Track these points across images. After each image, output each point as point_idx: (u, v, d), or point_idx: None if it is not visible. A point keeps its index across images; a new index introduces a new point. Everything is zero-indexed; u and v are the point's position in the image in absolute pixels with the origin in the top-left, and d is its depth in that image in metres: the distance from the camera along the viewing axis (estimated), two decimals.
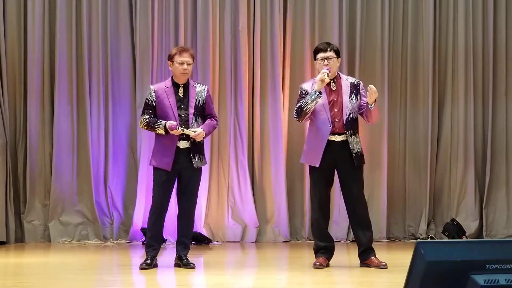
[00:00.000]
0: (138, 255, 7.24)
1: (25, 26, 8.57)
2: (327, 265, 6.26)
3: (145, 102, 6.31)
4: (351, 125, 6.18)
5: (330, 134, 6.14)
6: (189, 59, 6.24)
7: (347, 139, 6.16)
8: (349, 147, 6.15)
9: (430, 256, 2.99)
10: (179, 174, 6.23)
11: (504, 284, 3.01)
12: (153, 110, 6.23)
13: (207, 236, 8.55)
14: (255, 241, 8.70)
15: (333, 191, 7.17)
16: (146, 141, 8.36)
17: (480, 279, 3.00)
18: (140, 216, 8.37)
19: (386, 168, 8.87)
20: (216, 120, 6.39)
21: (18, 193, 8.60)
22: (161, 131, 6.14)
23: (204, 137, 6.21)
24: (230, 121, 8.72)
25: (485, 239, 8.66)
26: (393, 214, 8.99)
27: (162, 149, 6.20)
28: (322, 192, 6.23)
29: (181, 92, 6.26)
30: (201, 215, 8.56)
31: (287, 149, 8.78)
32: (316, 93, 6.07)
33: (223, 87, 8.72)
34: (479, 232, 8.95)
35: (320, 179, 6.21)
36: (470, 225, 8.89)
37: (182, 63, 6.21)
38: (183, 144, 6.18)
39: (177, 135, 6.12)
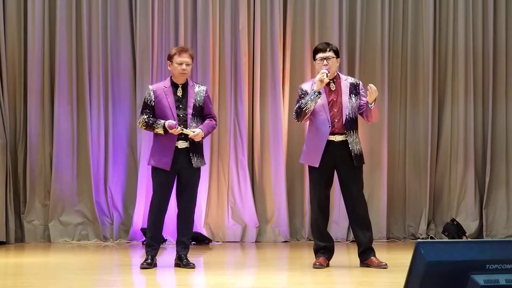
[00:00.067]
0: (138, 255, 7.24)
1: (25, 26, 8.57)
2: (327, 265, 6.26)
3: (144, 102, 6.31)
4: (351, 125, 6.18)
5: (329, 134, 6.14)
6: (188, 60, 6.25)
7: (346, 139, 6.16)
8: (349, 147, 6.15)
9: (430, 256, 2.99)
10: (178, 174, 6.23)
11: (504, 284, 3.01)
12: (152, 110, 6.23)
13: (207, 236, 8.55)
14: (255, 241, 8.70)
15: (333, 191, 7.18)
16: (146, 141, 8.35)
17: (480, 279, 3.00)
18: (140, 216, 8.37)
19: (386, 168, 8.87)
20: (215, 120, 6.39)
21: (18, 193, 8.60)
22: (160, 130, 6.14)
23: (203, 138, 6.21)
24: (230, 121, 8.72)
25: (485, 239, 8.66)
26: (393, 214, 8.99)
27: (160, 149, 6.20)
28: (322, 192, 6.23)
29: (179, 92, 6.26)
30: (201, 215, 8.56)
31: (287, 149, 8.78)
32: (316, 93, 6.07)
33: (223, 87, 8.72)
34: (479, 232, 8.95)
35: (320, 179, 6.21)
36: (470, 225, 8.89)
37: (181, 63, 6.21)
38: (182, 144, 6.18)
39: (176, 135, 6.12)
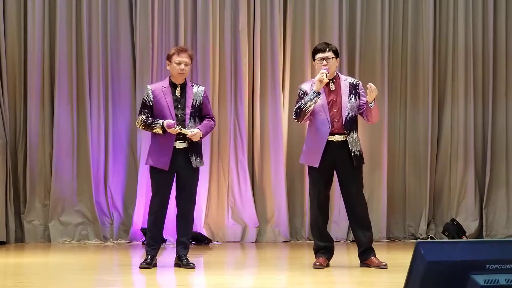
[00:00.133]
0: (138, 255, 7.24)
1: (25, 26, 8.57)
2: (327, 265, 6.26)
3: (142, 101, 6.32)
4: (350, 125, 6.18)
5: (329, 135, 6.14)
6: (187, 60, 6.25)
7: (346, 139, 6.15)
8: (348, 147, 6.15)
9: (430, 256, 2.99)
10: (177, 174, 6.23)
11: (504, 284, 3.01)
12: (150, 110, 6.24)
13: (207, 236, 8.55)
14: (255, 241, 8.70)
15: (333, 191, 7.18)
16: (146, 141, 8.34)
17: (480, 279, 3.00)
18: (140, 216, 8.37)
19: (386, 168, 8.87)
20: (213, 121, 6.39)
21: (18, 193, 8.60)
22: (158, 130, 6.14)
23: (201, 138, 6.21)
24: (230, 121, 8.72)
25: (485, 239, 8.66)
26: (393, 214, 8.99)
27: (158, 149, 6.20)
28: (321, 192, 6.23)
29: (178, 92, 6.26)
30: (201, 215, 8.56)
31: (287, 149, 8.79)
32: (315, 93, 6.07)
33: (223, 87, 8.72)
34: (479, 232, 8.95)
35: (319, 180, 6.21)
36: (470, 225, 8.89)
37: (179, 63, 6.22)
38: (180, 145, 6.18)
39: (174, 135, 6.13)
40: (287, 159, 8.77)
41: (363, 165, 6.31)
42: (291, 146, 8.77)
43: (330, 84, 6.23)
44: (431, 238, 8.88)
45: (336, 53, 6.30)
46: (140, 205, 8.39)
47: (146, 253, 6.29)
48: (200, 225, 8.55)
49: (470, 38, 8.99)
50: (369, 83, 6.11)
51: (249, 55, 8.77)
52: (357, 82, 6.34)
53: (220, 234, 8.70)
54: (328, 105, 6.17)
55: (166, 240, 8.20)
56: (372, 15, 8.97)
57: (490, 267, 3.02)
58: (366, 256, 6.22)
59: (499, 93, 9.05)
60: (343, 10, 8.86)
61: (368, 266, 6.18)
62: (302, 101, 6.15)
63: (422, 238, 8.80)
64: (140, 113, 6.28)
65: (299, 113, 6.14)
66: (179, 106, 6.23)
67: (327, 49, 6.24)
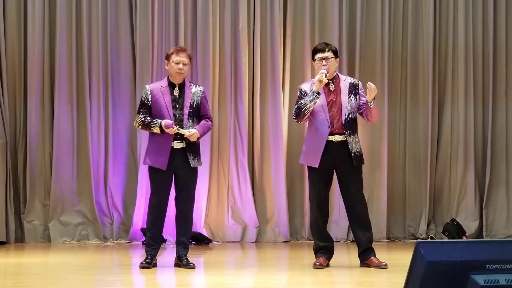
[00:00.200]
0: (138, 255, 7.24)
1: (25, 26, 8.57)
2: (327, 265, 6.26)
3: (141, 101, 6.33)
4: (350, 125, 6.17)
5: (329, 135, 6.14)
6: (185, 59, 6.25)
7: (346, 139, 6.15)
8: (348, 148, 6.15)
9: (430, 256, 2.99)
10: (175, 174, 6.23)
11: (504, 284, 3.01)
12: (148, 110, 6.24)
13: (207, 236, 8.55)
14: (255, 241, 8.70)
15: (333, 191, 7.18)
16: (146, 141, 8.29)
17: (480, 279, 3.00)
18: (140, 216, 8.37)
19: (386, 168, 8.87)
20: (211, 121, 6.39)
21: (18, 193, 8.60)
22: (156, 130, 6.15)
23: (198, 138, 6.21)
24: (230, 121, 8.72)
25: (485, 239, 8.66)
26: (393, 214, 8.99)
27: (156, 149, 6.21)
28: (321, 192, 6.23)
29: (176, 92, 6.27)
30: (201, 215, 8.56)
31: (287, 149, 8.79)
32: (315, 93, 6.07)
33: (223, 87, 8.72)
34: (479, 232, 8.95)
35: (319, 180, 6.21)
36: (470, 225, 8.89)
37: (178, 63, 6.22)
38: (178, 145, 6.19)
39: (172, 135, 6.13)
40: (287, 159, 8.77)
41: (363, 165, 6.31)
42: (291, 146, 8.77)
43: (330, 84, 6.23)
44: (431, 238, 8.88)
45: (336, 53, 6.30)
46: (140, 205, 8.39)
47: (146, 253, 6.29)
48: (200, 225, 8.55)
49: (470, 38, 8.99)
50: (368, 82, 6.11)
51: (249, 55, 8.77)
52: (357, 82, 6.34)
53: (220, 234, 8.70)
54: (327, 105, 6.17)
55: (166, 240, 8.20)
56: (372, 15, 8.97)
57: (490, 267, 3.02)
58: (366, 256, 6.21)
59: (499, 93, 9.05)
60: (343, 10, 8.86)
61: (368, 266, 6.18)
62: (301, 101, 6.15)
63: (422, 238, 8.80)
64: (139, 112, 6.29)
65: (298, 113, 6.14)
66: (177, 106, 6.23)
67: (327, 49, 6.24)
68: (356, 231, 6.26)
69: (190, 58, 6.35)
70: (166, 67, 6.34)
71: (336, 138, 6.15)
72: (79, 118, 8.61)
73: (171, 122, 6.11)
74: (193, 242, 8.26)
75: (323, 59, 6.19)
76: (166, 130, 6.09)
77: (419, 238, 8.86)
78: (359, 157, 6.21)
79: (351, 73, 8.60)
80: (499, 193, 9.01)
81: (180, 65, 6.23)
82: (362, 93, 6.27)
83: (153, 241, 6.31)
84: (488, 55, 9.02)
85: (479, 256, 3.03)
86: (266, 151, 8.78)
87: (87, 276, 6.09)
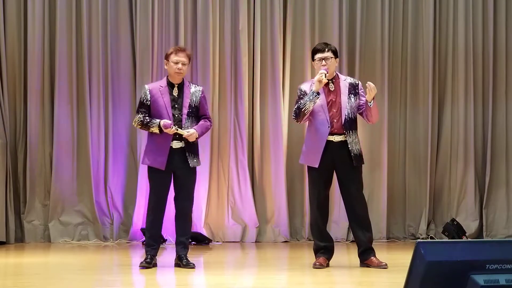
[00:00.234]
0: (138, 255, 7.23)
1: (25, 26, 8.57)
2: (327, 265, 6.26)
3: (140, 101, 6.33)
4: (350, 125, 6.17)
5: (328, 135, 6.14)
6: (184, 59, 6.26)
7: (346, 139, 6.15)
8: (348, 148, 6.15)
9: (430, 256, 2.99)
10: (174, 174, 6.24)
11: (504, 284, 3.01)
12: (147, 109, 6.25)
13: (207, 236, 8.55)
14: (255, 241, 8.70)
15: (333, 191, 7.18)
16: (145, 141, 8.32)
17: (480, 279, 3.00)
18: (140, 216, 8.37)
19: (386, 168, 8.87)
20: (210, 121, 6.40)
21: (18, 193, 8.60)
22: (155, 129, 6.15)
23: (197, 138, 6.21)
24: (230, 121, 8.72)
25: (485, 239, 8.66)
26: (393, 214, 8.99)
27: (155, 148, 6.21)
28: (321, 192, 6.23)
29: (175, 92, 6.27)
30: (201, 215, 8.56)
31: (287, 149, 8.78)
32: (314, 93, 6.06)
33: (223, 87, 8.72)
34: (479, 232, 8.95)
35: (319, 180, 6.21)
36: (470, 225, 8.89)
37: (177, 63, 6.22)
38: (176, 144, 6.19)
39: (171, 135, 6.13)
40: (287, 159, 8.76)
41: (362, 165, 6.31)
42: (291, 146, 8.77)
43: (330, 84, 6.22)
44: (431, 238, 8.88)
45: (335, 53, 6.29)
46: (140, 205, 8.39)
47: (146, 253, 6.30)
48: (200, 225, 8.55)
49: (470, 38, 8.99)
50: (368, 82, 6.11)
51: (249, 55, 8.77)
52: (357, 82, 6.34)
53: (220, 234, 8.70)
54: (327, 105, 6.17)
55: (166, 240, 8.20)
56: (372, 15, 8.97)
57: (490, 267, 3.02)
58: (366, 256, 6.21)
59: (499, 93, 9.05)
60: (343, 10, 8.86)
61: (368, 266, 6.18)
62: (301, 101, 6.15)
63: (422, 238, 8.80)
64: (138, 112, 6.30)
65: (298, 113, 6.14)
66: (176, 106, 6.23)
67: (326, 49, 6.24)
68: (356, 231, 6.26)
69: (189, 58, 6.35)
70: (165, 67, 6.34)
71: (336, 138, 6.15)
72: (79, 118, 8.61)
73: (169, 122, 6.12)
74: (193, 242, 8.26)
75: (323, 59, 6.19)
76: (165, 130, 6.10)
77: (419, 238, 8.86)
78: (359, 157, 6.21)
79: (351, 73, 8.60)
80: (499, 193, 9.01)
81: (179, 65, 6.23)
82: (362, 93, 6.27)
83: (152, 241, 6.31)
84: (488, 55, 9.02)
85: (479, 256, 3.03)
86: (266, 151, 8.78)
87: (87, 276, 6.09)
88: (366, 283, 5.64)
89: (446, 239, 8.48)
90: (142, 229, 8.27)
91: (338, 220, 8.70)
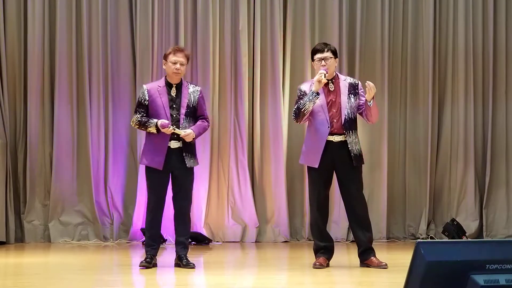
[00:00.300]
0: (138, 255, 7.23)
1: (25, 26, 8.58)
2: (327, 265, 6.26)
3: (138, 101, 6.34)
4: (350, 125, 6.17)
5: (328, 135, 6.13)
6: (183, 60, 6.26)
7: (345, 139, 6.15)
8: (348, 148, 6.15)
9: (430, 256, 2.98)
10: (172, 174, 6.24)
11: (504, 284, 3.01)
12: (145, 109, 6.25)
13: (207, 236, 8.55)
14: (255, 241, 8.70)
15: (333, 191, 7.18)
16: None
17: (480, 279, 3.00)
18: (140, 216, 8.37)
19: (386, 168, 8.87)
20: (207, 122, 6.40)
21: (18, 193, 8.60)
22: (152, 129, 6.16)
23: (194, 138, 6.21)
24: (230, 121, 8.72)
25: (485, 239, 8.66)
26: (393, 214, 8.99)
27: (153, 148, 6.22)
28: (321, 192, 6.23)
29: (173, 92, 6.27)
30: (201, 215, 8.56)
31: (287, 149, 8.79)
32: (314, 94, 6.06)
33: (223, 87, 8.72)
34: (479, 232, 8.95)
35: (319, 180, 6.21)
36: (470, 225, 8.89)
37: (175, 63, 6.23)
38: (174, 144, 6.19)
39: (168, 135, 6.14)
40: (287, 159, 8.77)
41: (362, 165, 6.31)
42: (291, 146, 8.77)
43: (329, 84, 6.22)
44: (431, 238, 8.88)
45: (335, 53, 6.29)
46: (140, 205, 8.39)
47: (146, 253, 6.30)
48: (200, 225, 8.55)
49: (470, 38, 8.99)
50: (367, 81, 6.11)
51: (249, 55, 8.77)
52: (356, 82, 6.34)
53: (220, 234, 8.70)
54: (327, 105, 6.16)
55: (166, 240, 8.20)
56: (372, 15, 8.97)
57: (490, 267, 3.02)
58: (366, 256, 6.21)
59: (499, 93, 9.05)
60: (343, 10, 8.86)
61: (368, 266, 6.18)
62: (301, 101, 6.14)
63: (422, 238, 8.80)
64: (136, 112, 6.31)
65: (298, 114, 6.14)
66: (174, 106, 6.24)
67: (326, 49, 6.23)
68: (356, 231, 6.26)
69: (188, 58, 6.36)
70: (164, 67, 6.35)
71: (336, 138, 6.15)
72: (79, 118, 8.61)
73: (167, 122, 6.12)
74: (193, 242, 8.26)
75: (322, 59, 6.19)
76: (162, 130, 6.10)
77: (419, 238, 8.86)
78: (359, 157, 6.21)
79: (351, 73, 8.60)
80: (499, 193, 9.01)
81: (178, 65, 6.23)
82: (361, 93, 6.27)
83: (152, 241, 6.32)
84: (488, 55, 9.02)
85: (479, 256, 3.03)
86: (266, 151, 8.78)
87: (87, 276, 6.09)
88: (366, 283, 5.64)
89: (446, 239, 8.49)
90: (142, 229, 8.27)
91: (338, 220, 8.70)
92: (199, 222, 8.54)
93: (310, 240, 8.44)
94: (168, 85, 6.29)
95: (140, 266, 6.21)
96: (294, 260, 7.39)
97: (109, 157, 8.63)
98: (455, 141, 9.03)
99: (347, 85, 6.25)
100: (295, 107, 6.18)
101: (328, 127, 6.13)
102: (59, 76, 8.53)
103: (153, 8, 8.62)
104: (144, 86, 6.37)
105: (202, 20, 8.67)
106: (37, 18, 8.53)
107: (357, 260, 6.32)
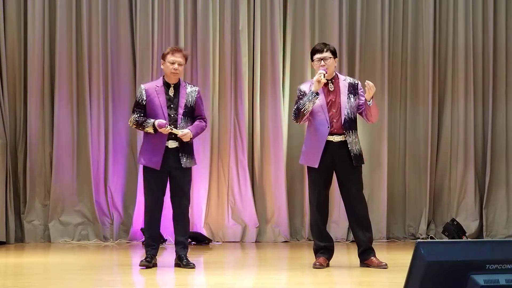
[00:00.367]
0: (138, 255, 7.23)
1: (25, 26, 8.58)
2: (327, 265, 6.26)
3: (136, 100, 6.34)
4: (350, 125, 6.17)
5: (328, 135, 6.13)
6: (181, 60, 6.26)
7: (345, 139, 6.14)
8: (348, 147, 6.14)
9: (430, 256, 2.99)
10: (170, 174, 6.24)
11: (504, 284, 3.01)
12: (143, 109, 6.26)
13: (207, 236, 8.55)
14: (255, 241, 8.70)
15: (333, 192, 7.18)
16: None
17: (480, 279, 3.00)
18: (140, 216, 8.35)
19: (386, 168, 8.87)
20: (205, 122, 6.40)
21: (18, 193, 8.60)
22: (150, 129, 6.16)
23: (191, 138, 6.21)
24: (230, 121, 8.72)
25: (485, 239, 8.66)
26: (393, 214, 8.99)
27: (150, 148, 6.22)
28: (321, 192, 6.22)
29: (171, 92, 6.28)
30: (201, 215, 8.56)
31: (287, 149, 8.79)
32: (313, 94, 6.06)
33: (223, 87, 8.72)
34: (479, 232, 8.95)
35: (319, 180, 6.20)
36: (470, 225, 8.89)
37: (173, 63, 6.23)
38: (172, 144, 6.20)
39: (166, 135, 6.14)
40: (287, 159, 8.77)
41: (362, 165, 6.31)
42: (291, 146, 8.77)
43: (329, 84, 6.22)
44: (431, 238, 8.88)
45: (334, 53, 6.29)
46: (140, 205, 8.38)
47: (146, 253, 6.30)
48: (200, 225, 8.55)
49: (470, 38, 8.99)
50: (366, 81, 6.11)
51: (249, 55, 8.77)
52: (356, 82, 6.34)
53: (220, 234, 8.70)
54: (327, 106, 6.16)
55: (166, 240, 8.20)
56: (372, 15, 8.97)
57: (490, 267, 3.02)
58: (366, 256, 6.21)
59: (499, 93, 9.05)
60: (343, 10, 8.86)
61: (368, 266, 6.18)
62: (300, 101, 6.14)
63: (422, 238, 8.80)
64: (133, 112, 6.31)
65: (297, 114, 6.14)
66: (172, 106, 6.24)
67: (325, 49, 6.23)
68: (356, 231, 6.26)
69: (186, 58, 6.36)
70: (162, 66, 6.36)
71: (336, 138, 6.15)
72: (79, 118, 8.61)
73: (164, 121, 6.12)
74: (193, 242, 8.26)
75: (322, 59, 6.19)
76: (160, 130, 6.11)
77: (419, 238, 8.86)
78: (359, 157, 6.21)
79: (351, 73, 8.60)
80: (499, 193, 9.01)
81: (175, 65, 6.23)
82: (361, 93, 6.26)
83: (151, 241, 6.32)
84: (488, 55, 9.02)
85: (479, 256, 3.03)
86: (266, 151, 8.78)
87: (87, 276, 6.09)
88: (366, 283, 5.64)
89: (446, 239, 8.49)
90: (142, 229, 8.26)
91: (338, 220, 8.70)
92: (199, 222, 8.54)
93: (310, 240, 8.44)
94: (166, 85, 6.29)
95: (140, 265, 6.22)
96: (294, 260, 7.39)
97: (109, 157, 8.63)
98: (455, 141, 9.03)
99: (347, 85, 6.25)
100: (295, 107, 6.18)
101: (328, 127, 6.13)
102: (59, 76, 8.53)
103: (153, 8, 8.62)
104: (142, 86, 6.38)
105: (202, 20, 8.67)
106: (37, 18, 8.53)
107: (357, 260, 6.32)
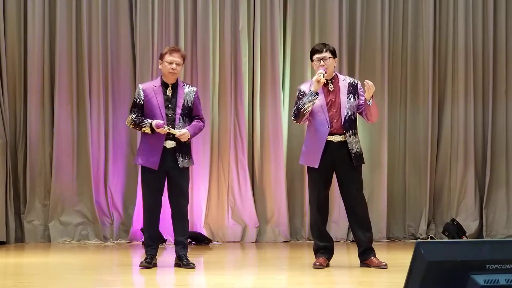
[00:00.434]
0: (138, 255, 7.24)
1: (25, 26, 8.58)
2: (327, 265, 6.26)
3: (133, 100, 6.34)
4: (350, 125, 6.17)
5: (328, 135, 6.13)
6: (179, 60, 6.26)
7: (345, 139, 6.14)
8: (348, 147, 6.14)
9: (430, 256, 2.98)
10: (167, 174, 6.24)
11: (504, 284, 3.01)
12: (141, 109, 6.26)
13: (207, 236, 8.55)
14: (255, 241, 8.70)
15: (333, 192, 7.18)
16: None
17: (480, 279, 3.00)
18: (140, 216, 8.31)
19: (386, 168, 8.87)
20: (203, 122, 6.39)
21: (18, 193, 8.60)
22: (147, 130, 6.16)
23: (189, 138, 6.21)
24: (230, 121, 8.72)
25: (485, 239, 8.66)
26: (393, 214, 8.99)
27: (148, 148, 6.22)
28: (321, 192, 6.22)
29: (169, 92, 6.28)
30: (201, 215, 8.56)
31: (287, 149, 8.78)
32: (313, 94, 6.06)
33: (223, 87, 8.72)
34: (479, 232, 8.95)
35: (319, 180, 6.20)
36: (470, 225, 8.89)
37: (171, 63, 6.23)
38: (170, 144, 6.20)
39: (164, 135, 6.14)
40: (287, 159, 8.76)
41: (362, 165, 6.31)
42: (291, 146, 8.77)
43: (329, 84, 6.22)
44: (431, 238, 8.88)
45: (334, 53, 6.28)
46: (140, 205, 8.36)
47: (146, 253, 6.30)
48: (200, 225, 8.55)
49: (470, 38, 8.99)
50: (366, 80, 6.10)
51: (249, 55, 8.77)
52: (356, 82, 6.34)
53: (220, 234, 8.70)
54: (327, 105, 6.16)
55: (166, 240, 8.20)
56: (372, 15, 8.97)
57: (490, 267, 3.02)
58: (366, 256, 6.21)
59: (499, 93, 9.05)
60: (343, 10, 8.86)
61: (368, 266, 6.18)
62: (300, 102, 6.14)
63: (422, 238, 8.80)
64: (131, 112, 6.32)
65: (297, 114, 6.14)
66: (169, 106, 6.24)
67: (324, 49, 6.23)
68: (356, 231, 6.26)
69: (184, 58, 6.37)
70: (160, 66, 6.36)
71: (336, 138, 6.15)
72: (79, 118, 8.61)
73: (162, 122, 6.12)
74: (193, 242, 8.26)
75: (321, 59, 6.19)
76: (157, 130, 6.11)
77: (419, 238, 8.86)
78: (359, 157, 6.21)
79: (351, 73, 8.60)
80: (499, 193, 9.01)
81: (173, 65, 6.23)
82: (361, 93, 6.26)
83: (151, 241, 6.32)
84: (488, 55, 9.02)
85: (479, 256, 3.03)
86: (266, 151, 8.78)
87: (87, 276, 6.09)
88: (366, 283, 5.64)
89: (446, 239, 8.48)
90: (142, 229, 8.25)
91: (338, 220, 8.70)
92: (199, 222, 8.54)
93: (310, 240, 8.44)
94: (164, 85, 6.29)
95: (140, 266, 6.22)
96: (294, 260, 7.39)
97: (109, 157, 8.63)
98: (455, 141, 9.03)
99: (347, 85, 6.25)
100: (295, 108, 6.18)
101: (328, 127, 6.12)
102: (59, 76, 8.53)
103: (153, 8, 8.62)
104: (140, 86, 6.37)
105: (202, 20, 8.67)
106: (37, 18, 8.53)
107: (357, 260, 6.32)
